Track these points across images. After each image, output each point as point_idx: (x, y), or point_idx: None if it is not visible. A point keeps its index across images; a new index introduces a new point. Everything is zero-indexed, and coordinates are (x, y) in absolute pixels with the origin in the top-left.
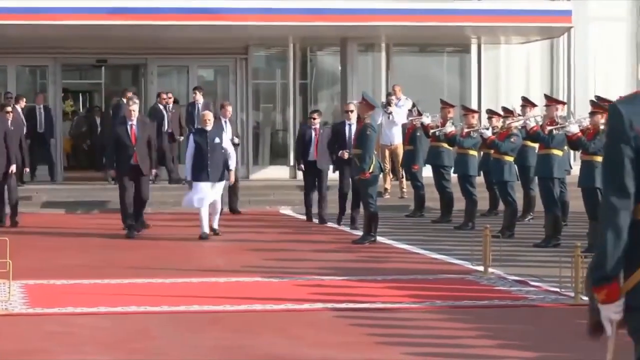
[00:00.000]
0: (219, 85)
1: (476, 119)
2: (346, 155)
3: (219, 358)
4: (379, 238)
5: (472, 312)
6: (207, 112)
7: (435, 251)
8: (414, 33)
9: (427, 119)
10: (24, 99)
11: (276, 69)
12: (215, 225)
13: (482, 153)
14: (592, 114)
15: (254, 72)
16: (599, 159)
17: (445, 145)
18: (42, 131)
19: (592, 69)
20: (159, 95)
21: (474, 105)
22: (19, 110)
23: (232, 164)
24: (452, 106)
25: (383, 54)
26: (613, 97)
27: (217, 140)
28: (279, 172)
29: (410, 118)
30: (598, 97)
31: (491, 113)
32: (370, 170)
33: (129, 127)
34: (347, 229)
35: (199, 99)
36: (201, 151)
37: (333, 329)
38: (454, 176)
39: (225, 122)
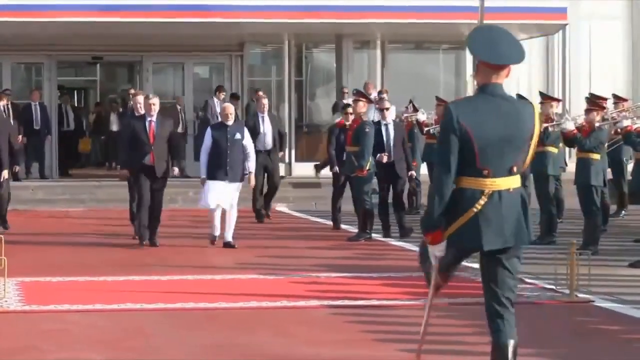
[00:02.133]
0: (214, 83)
1: None
2: (385, 159)
3: (214, 355)
4: (374, 235)
5: (467, 309)
6: (228, 105)
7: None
8: (409, 30)
9: (422, 116)
10: (7, 96)
11: (271, 66)
12: (230, 238)
13: None
14: (587, 111)
15: (249, 69)
16: (595, 156)
17: None
18: (38, 128)
19: (587, 67)
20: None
21: None
22: (1, 107)
23: (252, 165)
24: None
25: (378, 51)
26: (608, 94)
27: (237, 136)
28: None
29: (405, 115)
30: (593, 95)
31: None
32: (367, 168)
33: (147, 123)
34: (344, 226)
35: (222, 97)
36: (219, 148)
37: (328, 326)
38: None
39: (263, 117)
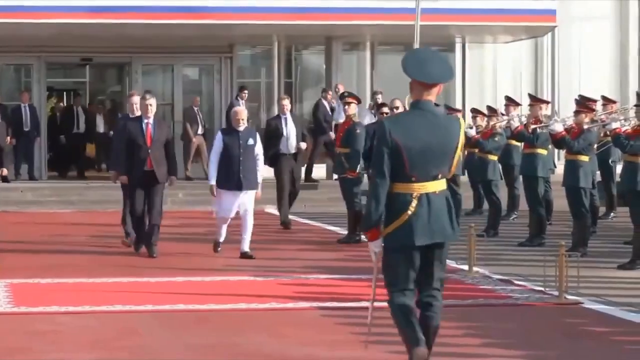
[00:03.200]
0: (204, 84)
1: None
2: None
3: (204, 357)
4: (363, 237)
5: (456, 311)
6: (241, 109)
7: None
8: (398, 32)
9: None
10: None
11: (261, 67)
12: (246, 248)
13: (466, 152)
14: (576, 113)
15: (239, 71)
16: (584, 158)
17: None
18: (28, 130)
19: (576, 68)
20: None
21: (458, 105)
22: None
23: (260, 175)
24: (437, 105)
25: (368, 53)
26: (597, 96)
27: (250, 141)
28: (264, 171)
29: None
30: (582, 97)
31: (475, 112)
32: (357, 170)
33: (144, 126)
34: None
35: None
36: (231, 155)
37: (318, 327)
38: None
39: (286, 119)
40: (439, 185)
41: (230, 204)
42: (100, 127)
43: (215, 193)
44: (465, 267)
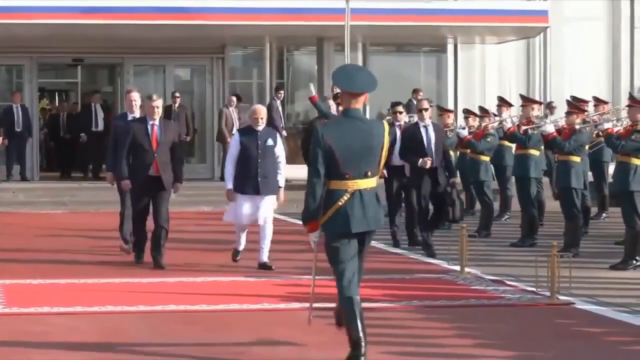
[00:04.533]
0: (196, 85)
1: (452, 118)
2: (428, 164)
3: (195, 358)
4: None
5: (448, 312)
6: (260, 107)
7: (412, 251)
8: (390, 33)
9: (405, 118)
10: None
11: (253, 68)
12: (265, 258)
13: (458, 153)
14: (567, 113)
15: (230, 72)
16: (575, 159)
17: None
18: (20, 130)
19: (568, 69)
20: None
21: (450, 105)
22: None
23: (283, 178)
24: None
25: (360, 53)
26: (589, 96)
27: (269, 142)
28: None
29: (387, 117)
30: (574, 97)
31: (468, 113)
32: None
33: (149, 127)
34: None
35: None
36: (249, 156)
37: (310, 328)
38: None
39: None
40: (370, 183)
41: (247, 209)
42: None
43: (232, 198)
44: (458, 268)
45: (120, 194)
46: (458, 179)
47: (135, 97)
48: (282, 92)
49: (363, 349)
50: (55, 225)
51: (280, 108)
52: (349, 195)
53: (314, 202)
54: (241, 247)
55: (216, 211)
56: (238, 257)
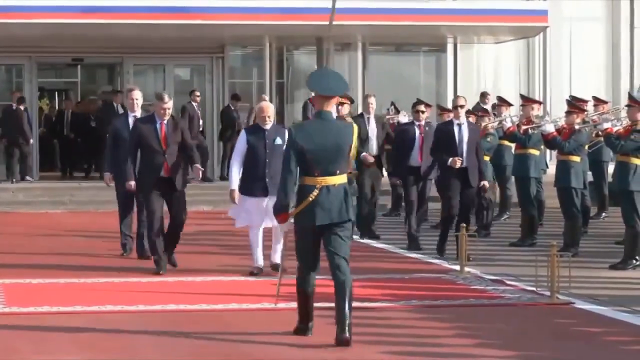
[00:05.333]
0: (195, 84)
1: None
2: (458, 164)
3: (195, 357)
4: (355, 237)
5: (448, 311)
6: (267, 104)
7: (412, 250)
8: (390, 32)
9: (404, 118)
10: None
11: (252, 68)
12: (278, 259)
13: None
14: (567, 113)
15: (230, 71)
16: (575, 158)
17: None
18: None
19: (568, 69)
20: (192, 92)
21: (449, 105)
22: None
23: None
24: (429, 105)
25: (359, 53)
26: (588, 96)
27: (278, 140)
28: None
29: (387, 117)
30: (573, 97)
31: (467, 112)
32: (349, 170)
33: (158, 127)
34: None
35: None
36: (256, 155)
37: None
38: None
39: (369, 118)
40: (338, 179)
41: (253, 212)
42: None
43: (236, 200)
44: (457, 267)
45: (119, 195)
46: (487, 182)
47: (137, 96)
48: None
49: (309, 324)
50: (55, 225)
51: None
52: (317, 191)
53: (285, 196)
54: (258, 264)
55: (216, 211)
56: (256, 273)
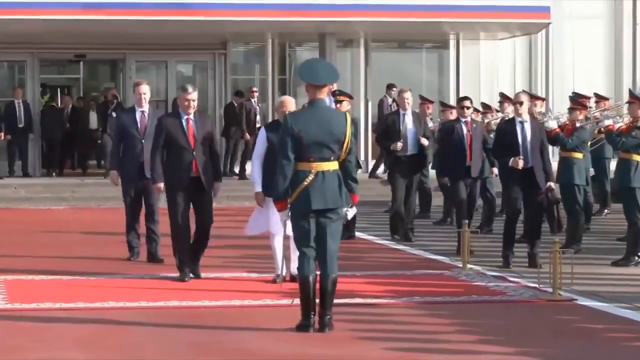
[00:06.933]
0: (198, 81)
1: (454, 114)
2: (520, 164)
3: (198, 354)
4: (357, 234)
5: (450, 308)
6: (288, 98)
7: (414, 247)
8: (392, 29)
9: (430, 123)
10: None
11: (255, 64)
12: (296, 270)
13: None
14: (570, 110)
15: (232, 68)
16: (578, 155)
17: None
18: (22, 126)
19: (570, 66)
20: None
21: (452, 101)
22: None
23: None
24: (431, 102)
25: (362, 49)
26: (591, 93)
27: None
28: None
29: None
30: (576, 94)
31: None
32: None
33: (184, 122)
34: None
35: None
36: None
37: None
38: (432, 172)
39: (404, 115)
40: (332, 165)
41: (275, 214)
42: (94, 124)
43: (262, 201)
44: (460, 264)
45: (126, 196)
46: (553, 184)
47: (145, 90)
48: (395, 89)
49: (312, 320)
50: (57, 221)
51: (393, 105)
52: (313, 176)
53: (283, 182)
54: (284, 270)
55: (219, 207)
56: (279, 281)
